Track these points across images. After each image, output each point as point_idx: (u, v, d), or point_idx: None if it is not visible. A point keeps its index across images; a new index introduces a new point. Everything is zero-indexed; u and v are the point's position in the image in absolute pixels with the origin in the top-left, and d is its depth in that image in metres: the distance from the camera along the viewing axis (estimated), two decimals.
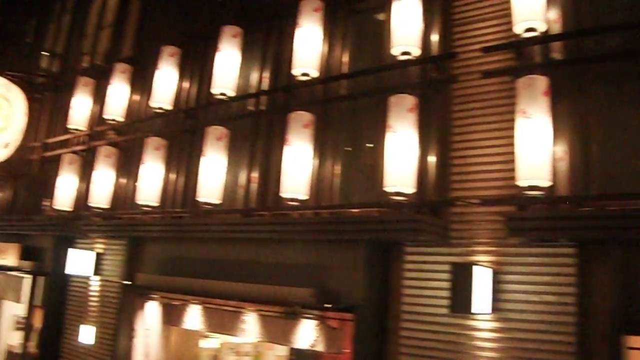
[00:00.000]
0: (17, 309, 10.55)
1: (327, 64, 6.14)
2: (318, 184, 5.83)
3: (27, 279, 9.30)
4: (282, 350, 7.93)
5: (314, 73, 5.95)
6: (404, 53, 5.23)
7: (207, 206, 6.37)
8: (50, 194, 8.83)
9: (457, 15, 5.34)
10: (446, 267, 4.72)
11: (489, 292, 4.47)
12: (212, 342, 8.51)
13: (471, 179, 4.88)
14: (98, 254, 8.28)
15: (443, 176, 5.03)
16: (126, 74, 8.31)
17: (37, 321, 9.20)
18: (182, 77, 7.61)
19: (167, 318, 7.15)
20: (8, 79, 8.84)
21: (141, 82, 8.25)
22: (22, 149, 9.74)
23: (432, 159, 5.10)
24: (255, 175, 6.49)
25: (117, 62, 8.51)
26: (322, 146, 5.90)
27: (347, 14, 6.29)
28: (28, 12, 12.69)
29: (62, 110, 9.45)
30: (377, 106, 5.39)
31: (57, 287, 8.94)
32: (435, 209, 4.99)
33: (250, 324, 6.08)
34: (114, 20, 9.74)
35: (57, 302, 8.91)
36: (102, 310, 8.09)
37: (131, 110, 8.30)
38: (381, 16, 5.94)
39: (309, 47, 5.93)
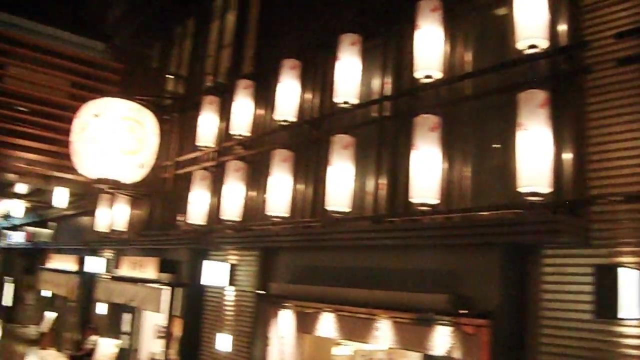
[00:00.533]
0: (158, 319, 11.10)
1: (450, 64, 6.01)
2: (448, 187, 5.70)
3: (166, 290, 9.77)
4: (415, 357, 7.86)
5: (437, 74, 5.84)
6: (531, 46, 5.00)
7: (336, 215, 6.41)
8: (183, 209, 9.21)
9: (586, 0, 5.05)
10: (588, 270, 4.44)
11: (638, 296, 4.17)
12: (345, 349, 8.57)
13: (612, 175, 4.59)
14: (232, 265, 8.56)
15: (581, 173, 4.76)
16: (249, 89, 8.52)
17: (177, 330, 9.65)
18: (304, 88, 7.71)
19: (300, 326, 7.26)
20: (139, 103, 9.33)
21: (264, 96, 8.45)
22: (156, 168, 10.26)
23: (567, 156, 4.85)
24: (383, 181, 6.46)
25: (239, 78, 8.75)
26: (450, 148, 5.77)
27: (467, 11, 6.13)
28: (152, 39, 13.43)
29: (190, 129, 9.86)
30: (506, 104, 5.20)
31: (194, 297, 9.33)
32: (573, 208, 4.72)
33: (383, 331, 6.05)
34: (233, 39, 10.09)
35: (195, 311, 9.30)
36: (238, 319, 8.35)
37: (256, 125, 8.51)
38: (502, 10, 5.75)
39: (429, 49, 5.83)
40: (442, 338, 5.41)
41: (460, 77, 5.89)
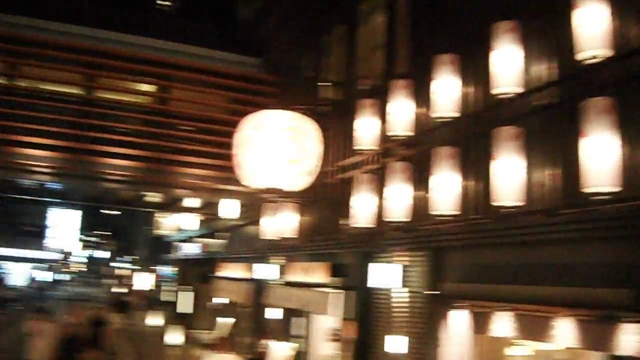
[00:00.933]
0: (328, 322, 11.37)
1: (619, 41, 5.44)
2: (627, 173, 5.19)
3: (336, 294, 9.97)
4: (597, 358, 7.43)
5: (605, 53, 5.35)
6: None
7: (506, 210, 6.18)
8: (348, 213, 9.34)
9: None
10: None
11: None
12: (520, 349, 8.27)
13: None
14: (402, 266, 8.54)
15: None
16: (405, 89, 8.44)
17: (348, 332, 9.80)
18: (462, 82, 7.47)
19: (474, 326, 7.13)
20: (298, 112, 9.59)
21: (421, 94, 8.30)
22: (320, 174, 10.52)
23: None
24: (553, 171, 6.10)
25: (394, 79, 8.70)
26: (626, 131, 5.20)
27: None
28: (303, 49, 13.84)
29: (349, 133, 9.98)
30: None
31: (365, 300, 9.45)
32: None
33: (562, 330, 5.77)
34: (385, 39, 10.11)
35: (366, 314, 9.41)
36: (409, 320, 8.31)
37: (416, 123, 8.39)
38: None
39: (593, 26, 5.35)
40: (628, 337, 5.04)
41: (630, 53, 5.34)
